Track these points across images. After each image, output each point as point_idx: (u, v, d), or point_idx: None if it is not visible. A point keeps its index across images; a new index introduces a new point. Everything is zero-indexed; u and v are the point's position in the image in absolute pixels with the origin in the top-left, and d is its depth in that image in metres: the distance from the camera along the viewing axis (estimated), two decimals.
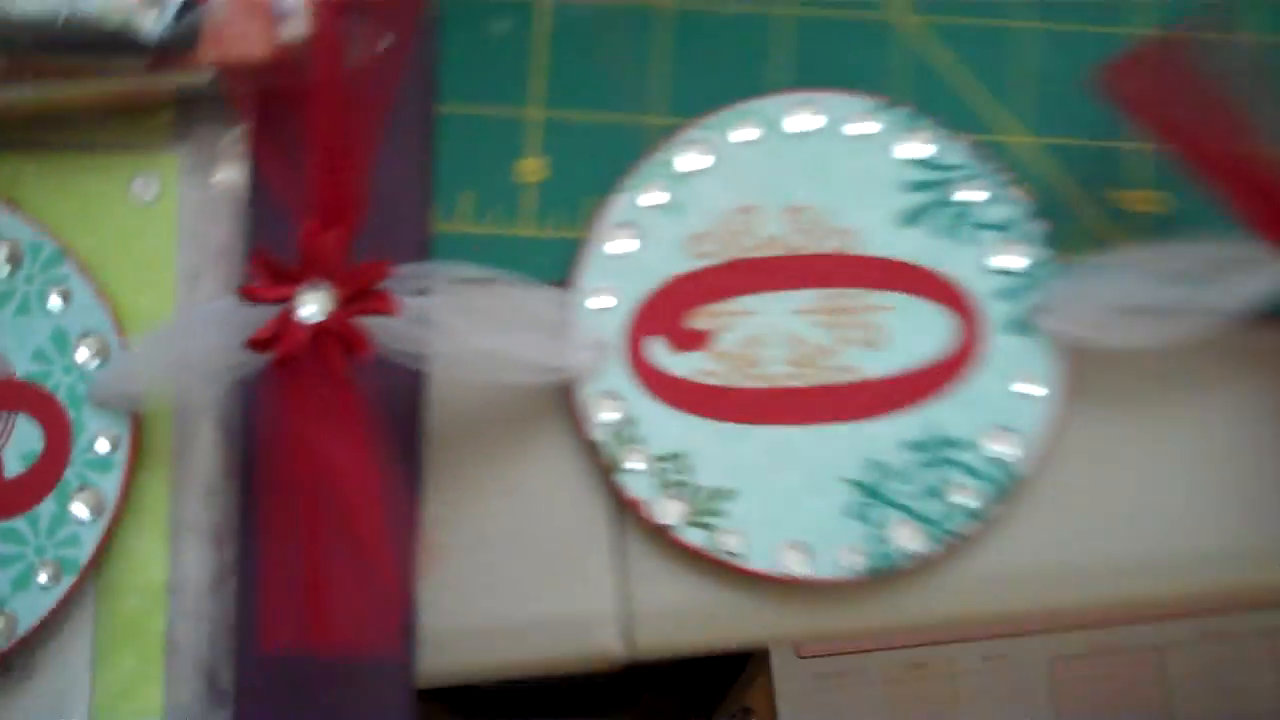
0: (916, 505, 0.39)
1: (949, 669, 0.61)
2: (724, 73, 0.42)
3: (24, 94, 0.39)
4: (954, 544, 0.39)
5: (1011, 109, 0.42)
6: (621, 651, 0.39)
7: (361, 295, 0.36)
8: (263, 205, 0.39)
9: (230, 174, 0.39)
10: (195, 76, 0.39)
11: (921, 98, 0.42)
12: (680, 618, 0.39)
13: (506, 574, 0.39)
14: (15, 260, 0.39)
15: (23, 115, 0.39)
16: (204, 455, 0.39)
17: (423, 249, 0.40)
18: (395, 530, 0.36)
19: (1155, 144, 0.41)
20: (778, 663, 0.59)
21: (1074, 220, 0.41)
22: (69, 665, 0.37)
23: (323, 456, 0.36)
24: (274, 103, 0.38)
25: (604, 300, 0.40)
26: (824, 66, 0.42)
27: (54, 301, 0.39)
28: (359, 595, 0.35)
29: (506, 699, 0.87)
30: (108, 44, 0.38)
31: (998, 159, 0.41)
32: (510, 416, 0.40)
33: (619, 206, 0.41)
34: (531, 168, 0.41)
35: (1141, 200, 0.42)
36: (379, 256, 0.36)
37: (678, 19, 0.42)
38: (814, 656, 0.60)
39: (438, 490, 0.39)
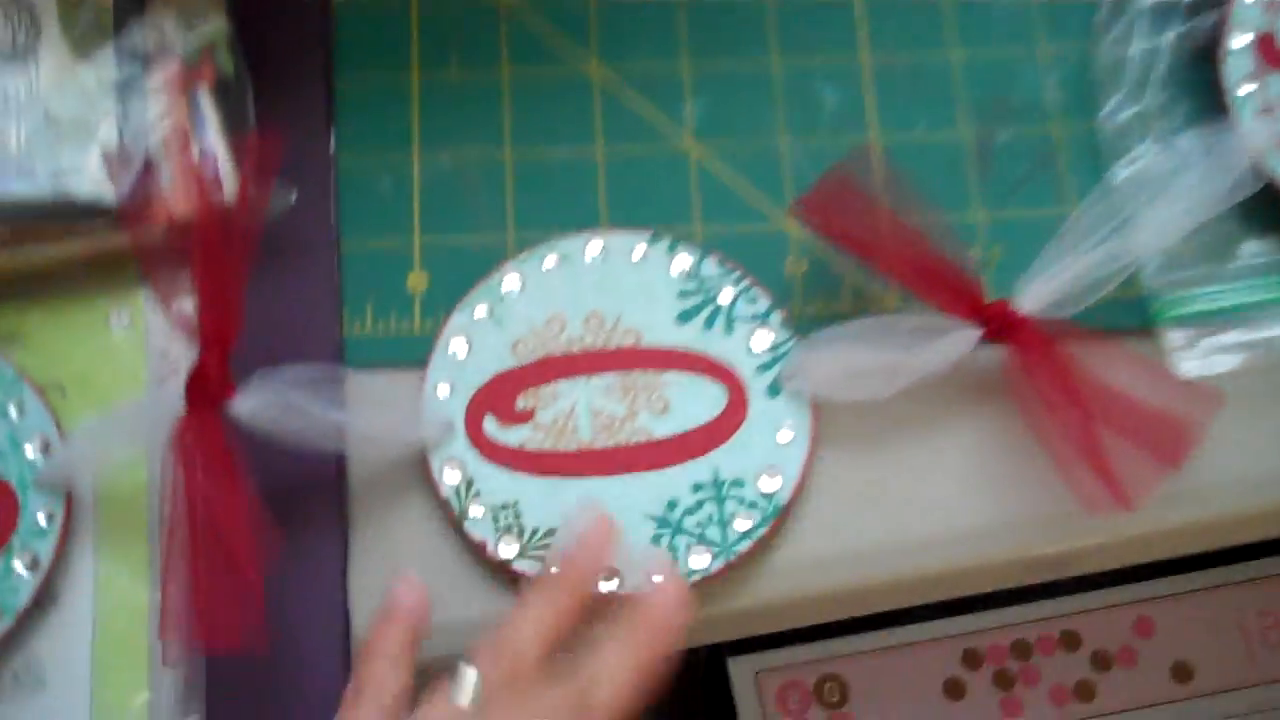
0: (705, 532, 0.49)
1: None
2: (558, 203, 0.54)
3: (24, 255, 0.50)
4: (735, 560, 0.49)
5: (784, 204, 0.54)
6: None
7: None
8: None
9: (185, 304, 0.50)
10: (150, 232, 0.50)
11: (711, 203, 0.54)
12: None
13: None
14: None
15: (23, 271, 0.50)
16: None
17: (335, 351, 0.51)
18: (259, 554, 0.46)
19: (852, 259, 0.53)
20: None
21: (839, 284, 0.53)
22: (73, 676, 0.46)
23: (205, 501, 0.46)
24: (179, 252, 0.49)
25: (446, 389, 0.51)
26: (632, 191, 0.54)
27: (11, 412, 0.49)
28: (230, 602, 0.44)
29: None
30: (83, 212, 0.50)
31: (744, 270, 0.53)
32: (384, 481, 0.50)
33: (458, 319, 0.52)
34: (417, 280, 0.53)
35: None
36: (298, 360, 0.47)
37: (518, 166, 0.55)
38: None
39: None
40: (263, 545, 0.45)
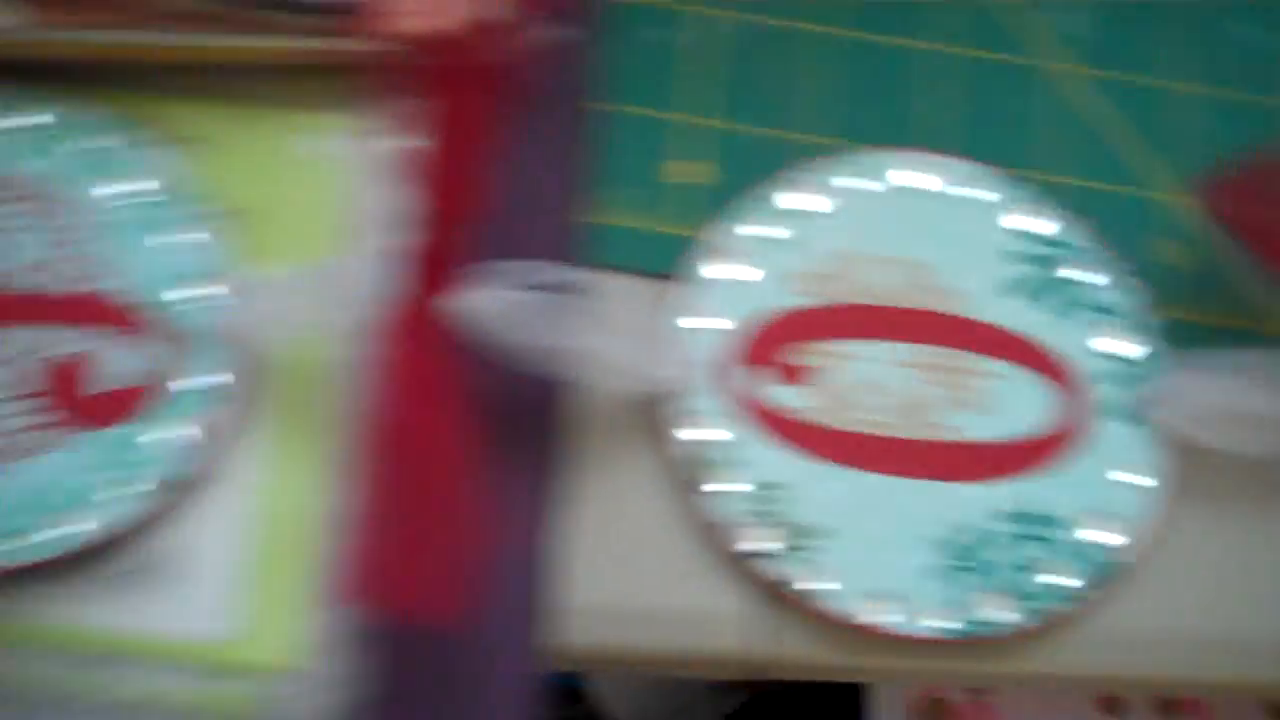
0: (1010, 578, 0.37)
1: None
2: (888, 104, 0.42)
3: (216, 42, 0.38)
4: (1044, 623, 0.37)
5: (1174, 168, 0.42)
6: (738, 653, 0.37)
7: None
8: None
9: (395, 142, 0.39)
10: (374, 44, 0.39)
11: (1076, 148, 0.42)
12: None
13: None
14: (170, 193, 0.38)
15: (212, 62, 0.39)
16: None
17: (564, 241, 0.39)
18: (471, 504, 0.35)
19: (1266, 266, 0.41)
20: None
21: (1223, 283, 0.41)
22: (215, 577, 0.35)
23: (410, 423, 0.34)
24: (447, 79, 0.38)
25: (706, 321, 0.39)
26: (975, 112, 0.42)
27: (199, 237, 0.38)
28: (424, 560, 0.33)
29: None
30: (296, 4, 0.38)
31: (1113, 246, 0.41)
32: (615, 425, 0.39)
33: (733, 233, 0.40)
34: (691, 170, 0.41)
35: None
36: (537, 252, 0.36)
37: (852, 46, 0.42)
38: None
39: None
40: (479, 496, 0.34)
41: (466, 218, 0.37)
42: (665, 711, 0.92)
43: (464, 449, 0.35)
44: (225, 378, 0.37)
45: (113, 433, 0.36)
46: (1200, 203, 0.39)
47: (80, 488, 0.35)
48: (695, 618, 0.37)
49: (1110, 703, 0.61)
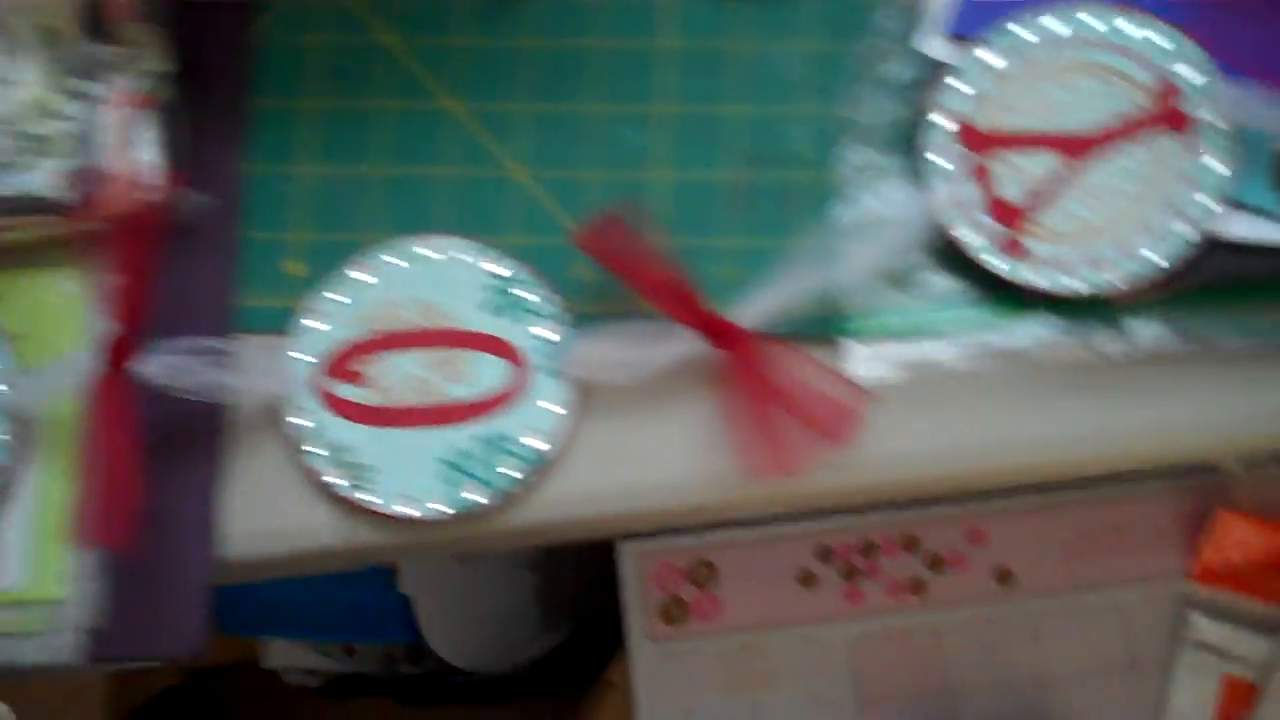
0: (481, 475, 0.66)
1: (765, 651, 0.86)
2: (412, 211, 0.71)
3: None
4: (501, 498, 0.66)
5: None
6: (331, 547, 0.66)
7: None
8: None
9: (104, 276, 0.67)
10: (88, 221, 0.68)
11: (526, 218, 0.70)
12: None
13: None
14: None
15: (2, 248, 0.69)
16: None
17: (229, 323, 0.69)
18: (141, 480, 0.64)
19: (614, 278, 0.67)
20: (634, 645, 0.86)
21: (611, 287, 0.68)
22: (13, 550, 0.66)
23: (104, 434, 0.64)
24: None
25: (306, 354, 0.68)
26: (466, 205, 0.71)
27: None
28: (114, 509, 0.63)
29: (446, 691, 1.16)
30: (44, 207, 0.68)
31: (541, 273, 0.69)
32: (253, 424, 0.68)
33: (319, 300, 0.69)
34: (296, 267, 0.70)
35: None
36: (199, 330, 0.65)
37: (392, 180, 0.71)
38: (663, 640, 0.87)
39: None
40: (139, 470, 0.63)
41: (145, 313, 0.66)
42: (497, 651, 1.19)
43: (138, 448, 0.64)
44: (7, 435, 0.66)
45: None
46: (581, 243, 0.67)
47: None
48: (304, 529, 0.66)
49: (807, 576, 0.89)
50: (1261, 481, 0.88)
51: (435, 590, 1.21)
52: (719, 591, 0.88)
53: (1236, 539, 0.87)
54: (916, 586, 0.88)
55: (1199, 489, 0.88)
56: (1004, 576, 0.88)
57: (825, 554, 0.89)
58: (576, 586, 1.25)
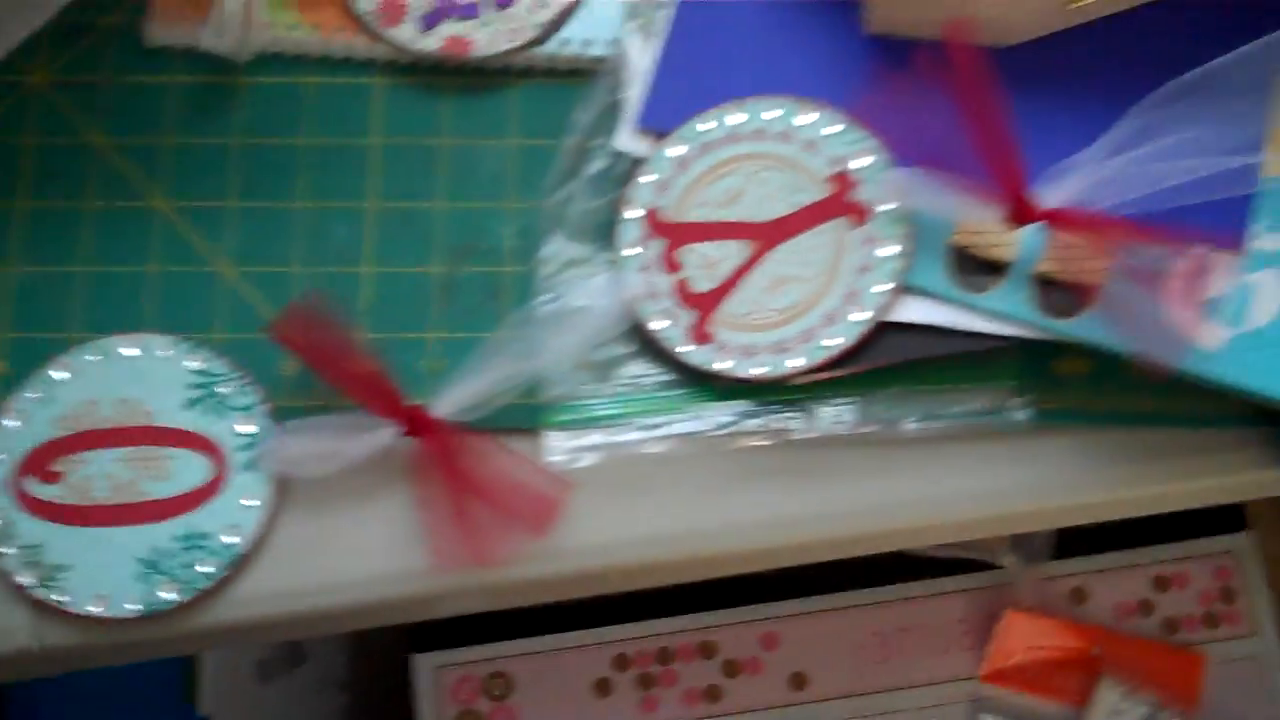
0: (176, 574, 0.65)
1: None
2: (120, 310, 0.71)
3: None
4: (195, 597, 0.65)
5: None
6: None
7: None
8: None
9: None
10: None
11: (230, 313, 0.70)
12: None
13: None
14: None
15: None
16: None
17: None
18: None
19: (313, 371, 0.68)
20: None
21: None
22: None
23: None
24: None
25: (1, 454, 0.67)
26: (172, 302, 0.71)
27: None
28: None
29: None
30: None
31: (245, 369, 0.69)
32: None
33: (15, 399, 0.68)
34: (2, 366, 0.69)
35: None
36: None
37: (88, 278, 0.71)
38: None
39: None
40: None
41: None
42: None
43: None
44: None
45: None
46: (275, 335, 0.68)
47: None
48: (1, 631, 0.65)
49: (603, 685, 0.89)
50: (1042, 578, 0.90)
51: (236, 711, 1.18)
52: (515, 703, 0.88)
53: (1023, 638, 0.88)
54: (712, 694, 0.90)
55: (986, 588, 0.90)
56: (799, 682, 0.90)
57: (622, 662, 0.91)
58: (388, 703, 1.23)
